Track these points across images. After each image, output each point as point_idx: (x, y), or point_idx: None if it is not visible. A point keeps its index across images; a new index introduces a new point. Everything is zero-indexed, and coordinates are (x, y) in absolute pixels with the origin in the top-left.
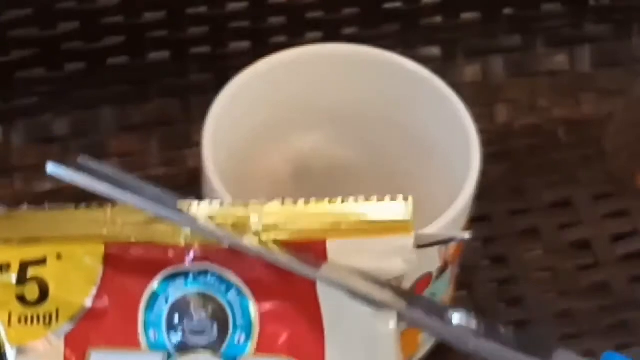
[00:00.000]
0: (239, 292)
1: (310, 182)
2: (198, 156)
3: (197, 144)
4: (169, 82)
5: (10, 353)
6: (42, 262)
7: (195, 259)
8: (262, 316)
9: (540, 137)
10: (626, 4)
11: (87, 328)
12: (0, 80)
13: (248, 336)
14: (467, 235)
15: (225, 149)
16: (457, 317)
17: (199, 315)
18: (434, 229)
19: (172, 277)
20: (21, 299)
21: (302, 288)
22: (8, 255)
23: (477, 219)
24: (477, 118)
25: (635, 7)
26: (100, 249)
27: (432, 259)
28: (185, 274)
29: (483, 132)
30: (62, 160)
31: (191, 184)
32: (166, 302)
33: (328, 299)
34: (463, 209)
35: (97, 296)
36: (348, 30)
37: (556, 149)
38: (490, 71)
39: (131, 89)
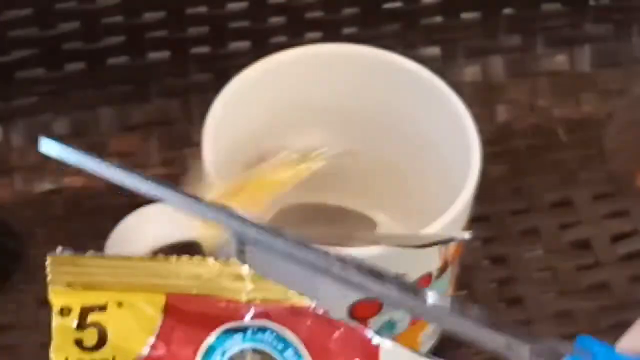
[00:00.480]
0: (296, 352)
1: (310, 181)
2: (198, 156)
3: (197, 144)
4: (169, 82)
5: None
6: (102, 308)
7: (255, 315)
8: None
9: (540, 137)
10: (626, 4)
11: None
12: (0, 79)
13: None
14: (467, 235)
15: (225, 149)
16: (432, 297)
17: None
18: (434, 229)
19: (231, 332)
20: (79, 343)
21: (363, 349)
22: (70, 300)
23: (477, 219)
24: (477, 118)
25: (635, 7)
26: (161, 299)
27: (432, 259)
28: (244, 330)
29: (483, 132)
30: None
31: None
32: (223, 356)
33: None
34: (463, 209)
35: (155, 346)
36: (348, 30)
37: (556, 149)
38: (490, 71)
39: (131, 89)
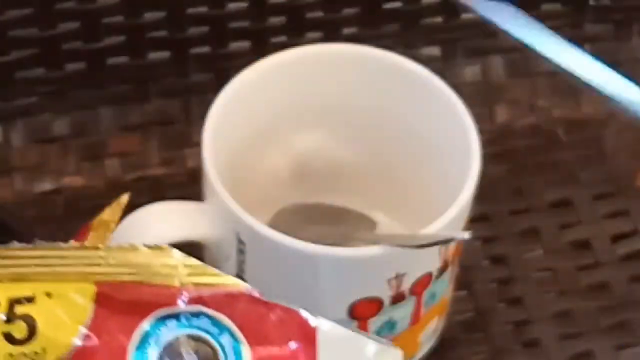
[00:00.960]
0: (232, 336)
1: (309, 181)
2: (198, 156)
3: (197, 144)
4: (169, 82)
5: None
6: (31, 300)
7: (188, 301)
8: None
9: (540, 137)
10: (626, 4)
11: None
12: (0, 80)
13: None
14: (467, 235)
15: (225, 149)
16: None
17: (190, 358)
18: (434, 229)
19: (165, 318)
20: (8, 337)
21: (300, 331)
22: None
23: (477, 219)
24: (477, 118)
25: (635, 7)
26: (92, 288)
27: (433, 259)
28: (178, 316)
29: (483, 132)
30: (62, 160)
31: (191, 184)
32: (157, 343)
33: (328, 343)
34: (463, 209)
35: (87, 336)
36: (348, 30)
37: (556, 149)
38: (490, 71)
39: (131, 89)
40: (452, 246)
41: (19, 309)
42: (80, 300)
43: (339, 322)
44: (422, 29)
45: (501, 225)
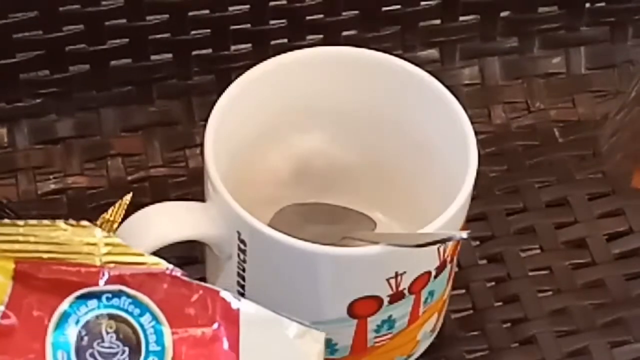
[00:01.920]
0: (153, 317)
1: (310, 182)
2: (200, 156)
3: (199, 145)
4: (172, 84)
5: None
6: None
7: (109, 280)
8: (176, 342)
9: (537, 138)
10: (621, 7)
11: None
12: (5, 81)
13: None
14: (465, 234)
15: (226, 150)
16: None
17: (110, 337)
18: (432, 229)
19: (84, 297)
20: None
21: (223, 313)
22: None
23: (474, 218)
24: (475, 119)
25: (630, 10)
26: (10, 266)
27: (431, 258)
28: (98, 296)
29: (480, 133)
30: (65, 161)
31: (193, 184)
32: (77, 323)
33: (251, 324)
34: (460, 208)
35: (5, 314)
36: (348, 33)
37: (552, 150)
38: (488, 73)
39: (134, 91)
40: (450, 245)
41: None
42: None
43: (338, 320)
44: (421, 31)
45: (498, 224)
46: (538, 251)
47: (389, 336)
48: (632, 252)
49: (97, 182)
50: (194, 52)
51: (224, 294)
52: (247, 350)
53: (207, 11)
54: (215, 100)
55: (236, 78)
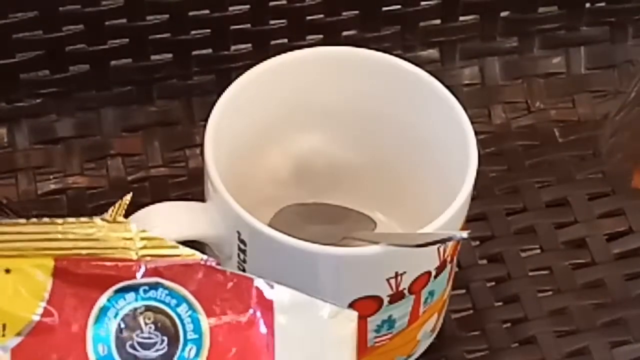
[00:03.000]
0: (190, 306)
1: (310, 181)
2: (200, 156)
3: (199, 145)
4: (172, 84)
5: None
6: None
7: (145, 273)
8: (212, 330)
9: (537, 138)
10: (621, 7)
11: (35, 343)
12: (5, 81)
13: (198, 350)
14: (465, 234)
15: (226, 150)
16: None
17: (149, 329)
18: (432, 229)
19: (122, 291)
20: None
21: (257, 301)
22: None
23: (474, 218)
24: (475, 119)
25: (630, 10)
26: (50, 263)
27: (432, 258)
28: (136, 288)
29: (480, 133)
30: (66, 161)
31: (193, 184)
32: (116, 316)
33: (285, 309)
34: (461, 208)
35: (46, 311)
36: (348, 33)
37: (552, 150)
38: (488, 73)
39: (134, 90)
40: (450, 245)
41: None
42: (39, 275)
43: None
44: (421, 31)
45: (498, 224)
46: (538, 251)
47: (389, 336)
48: (632, 252)
49: (97, 182)
50: (194, 52)
51: (258, 281)
52: (282, 334)
53: (207, 11)
54: (215, 100)
55: (236, 78)
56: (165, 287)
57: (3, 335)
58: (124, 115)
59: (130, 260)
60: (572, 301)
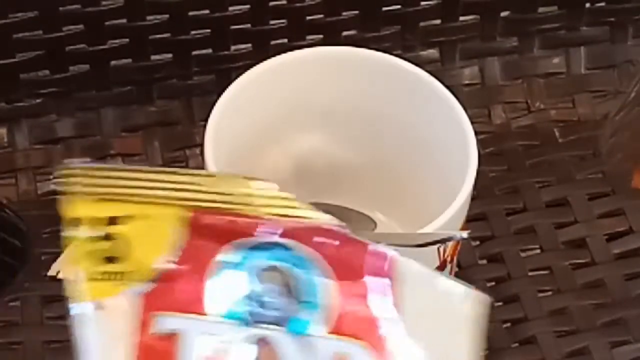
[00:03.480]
0: (315, 269)
1: (310, 181)
2: (200, 156)
3: (199, 145)
4: (172, 84)
5: (85, 307)
6: (122, 220)
7: (273, 232)
8: (337, 295)
9: (537, 138)
10: (621, 7)
11: (161, 290)
12: (5, 81)
13: (322, 316)
14: (465, 234)
15: (226, 150)
16: None
17: (274, 289)
18: (432, 229)
19: (252, 248)
20: (100, 254)
21: (385, 271)
22: (92, 210)
23: (474, 218)
24: (475, 119)
25: (630, 10)
26: (184, 213)
27: (431, 258)
28: (266, 247)
29: (480, 133)
30: (66, 161)
31: None
32: (242, 272)
33: (412, 282)
34: (461, 208)
35: (175, 260)
36: (348, 33)
37: (552, 150)
38: (488, 73)
39: (134, 90)
40: (450, 245)
41: (115, 228)
42: (172, 224)
43: None
44: (421, 31)
45: (498, 224)
46: (538, 251)
47: None
48: (632, 252)
49: None
50: (194, 52)
51: (391, 252)
52: (407, 308)
53: (207, 11)
54: (215, 100)
55: (236, 78)
56: (291, 248)
57: (132, 280)
58: (124, 115)
59: (260, 217)
60: (572, 301)
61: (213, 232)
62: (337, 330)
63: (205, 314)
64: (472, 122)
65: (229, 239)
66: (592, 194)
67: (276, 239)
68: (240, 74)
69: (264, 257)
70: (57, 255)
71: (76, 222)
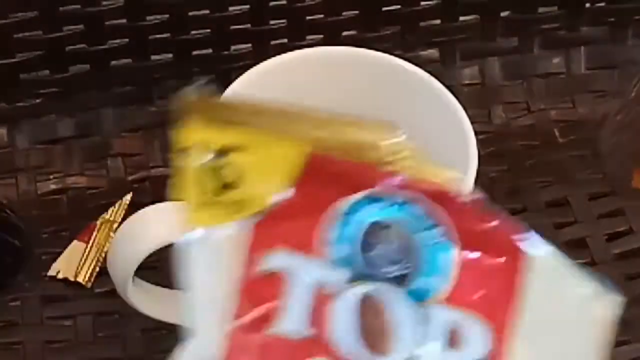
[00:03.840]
0: (444, 234)
1: None
2: None
3: None
4: (172, 84)
5: (193, 235)
6: (243, 149)
7: (405, 187)
8: (462, 265)
9: (537, 138)
10: (621, 7)
11: (274, 224)
12: (5, 81)
13: (441, 281)
14: None
15: None
16: None
17: (394, 245)
18: None
19: (376, 199)
20: (215, 182)
21: (513, 251)
22: (210, 136)
23: None
24: (475, 119)
25: (630, 10)
26: (306, 151)
27: None
28: (390, 200)
29: (480, 133)
30: (66, 161)
31: None
32: (363, 222)
33: (540, 270)
34: None
35: (291, 196)
36: (348, 33)
37: (552, 150)
38: (488, 73)
39: (134, 91)
40: None
41: (231, 157)
42: (292, 159)
43: None
44: (421, 31)
45: None
46: None
47: None
48: (632, 252)
49: (97, 182)
50: (194, 52)
51: (525, 232)
52: (530, 295)
53: (207, 11)
54: None
55: (236, 78)
56: (422, 207)
57: (245, 211)
58: (124, 115)
59: (390, 170)
60: None
61: (333, 176)
62: (456, 301)
63: (322, 257)
64: (472, 122)
65: (351, 187)
66: (592, 194)
67: (409, 195)
68: (240, 74)
69: (396, 213)
70: (57, 255)
71: (189, 149)
